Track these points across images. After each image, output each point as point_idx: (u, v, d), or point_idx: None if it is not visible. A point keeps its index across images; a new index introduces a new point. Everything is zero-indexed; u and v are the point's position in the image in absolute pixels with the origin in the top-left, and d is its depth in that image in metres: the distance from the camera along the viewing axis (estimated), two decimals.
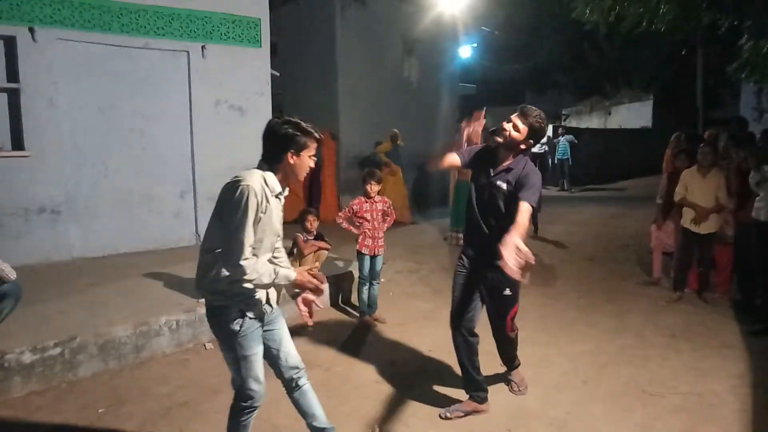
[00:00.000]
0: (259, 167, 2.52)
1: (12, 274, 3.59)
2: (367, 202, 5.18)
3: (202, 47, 6.83)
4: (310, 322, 4.70)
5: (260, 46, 7.38)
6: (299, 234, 5.39)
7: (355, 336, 4.91)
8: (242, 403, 2.62)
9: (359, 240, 5.19)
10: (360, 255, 5.22)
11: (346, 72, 10.42)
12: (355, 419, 3.44)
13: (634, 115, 21.34)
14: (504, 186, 3.16)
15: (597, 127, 21.49)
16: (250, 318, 2.54)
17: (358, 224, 5.20)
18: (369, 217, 5.16)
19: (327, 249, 5.49)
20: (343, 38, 10.33)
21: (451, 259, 7.49)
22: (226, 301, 2.50)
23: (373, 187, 5.15)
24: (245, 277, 2.39)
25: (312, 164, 2.60)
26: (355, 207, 5.19)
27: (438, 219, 9.79)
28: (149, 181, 6.64)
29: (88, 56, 6.14)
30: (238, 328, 2.50)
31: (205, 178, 7.01)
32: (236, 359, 2.54)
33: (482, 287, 3.38)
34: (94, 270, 5.76)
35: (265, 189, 2.45)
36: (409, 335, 4.83)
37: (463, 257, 3.47)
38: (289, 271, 2.57)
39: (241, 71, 7.22)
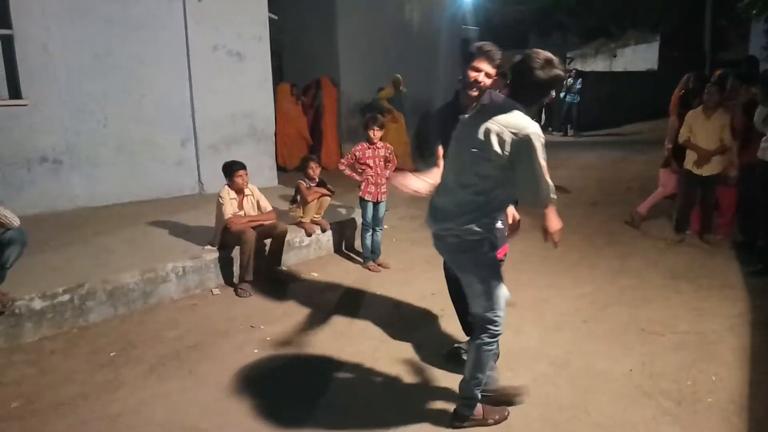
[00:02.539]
0: (517, 108, 2.50)
1: (15, 221, 3.60)
2: (369, 148, 5.15)
3: None
4: None
5: None
6: (302, 181, 5.38)
7: (359, 281, 4.97)
8: (493, 330, 2.71)
9: (362, 187, 5.19)
10: (363, 202, 5.22)
11: (345, 15, 10.15)
12: (360, 359, 3.52)
13: (639, 57, 20.88)
14: None
15: (602, 70, 21.08)
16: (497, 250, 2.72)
17: (360, 171, 5.18)
18: (372, 164, 5.14)
19: (330, 196, 5.50)
20: None
21: None
22: (484, 235, 2.60)
23: (376, 133, 5.11)
24: (550, 207, 2.67)
25: None
26: (357, 153, 5.16)
27: None
28: (149, 129, 6.58)
29: (80, 0, 5.97)
30: (493, 258, 2.66)
31: (205, 126, 6.96)
32: (489, 288, 2.66)
33: None
34: (99, 219, 5.78)
35: None
36: (413, 279, 4.88)
37: None
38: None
39: (239, 15, 7.05)
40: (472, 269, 2.69)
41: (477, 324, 2.75)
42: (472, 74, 2.98)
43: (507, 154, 2.43)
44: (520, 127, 2.42)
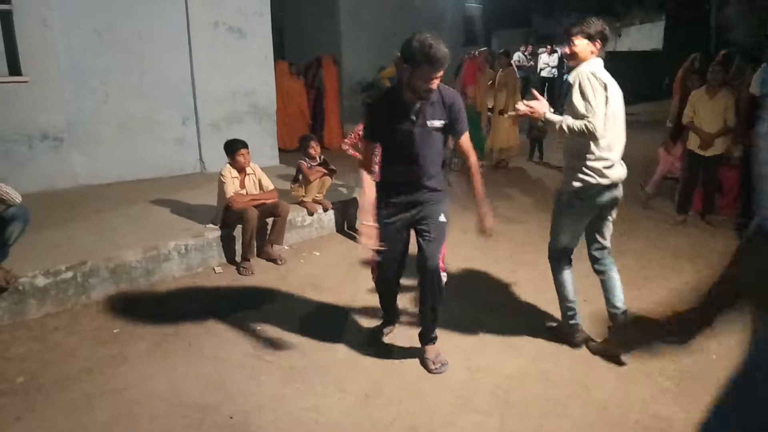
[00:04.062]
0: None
1: (17, 198, 3.60)
2: None
3: None
4: None
5: None
6: (303, 161, 5.36)
7: (361, 260, 4.97)
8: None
9: None
10: None
11: None
12: (362, 338, 3.55)
13: (645, 36, 20.66)
14: (439, 123, 2.94)
15: (607, 49, 20.88)
16: None
17: None
18: None
19: (331, 175, 5.48)
20: None
21: (455, 184, 7.48)
22: None
23: None
24: None
25: None
26: (361, 132, 5.12)
27: None
28: (150, 106, 6.54)
29: None
30: None
31: (206, 104, 6.92)
32: None
33: (414, 226, 3.11)
34: (101, 197, 5.78)
35: None
36: (414, 258, 4.88)
37: (390, 206, 3.07)
38: None
39: None
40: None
41: (606, 254, 3.32)
42: (432, 85, 2.79)
43: None
44: None
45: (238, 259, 4.78)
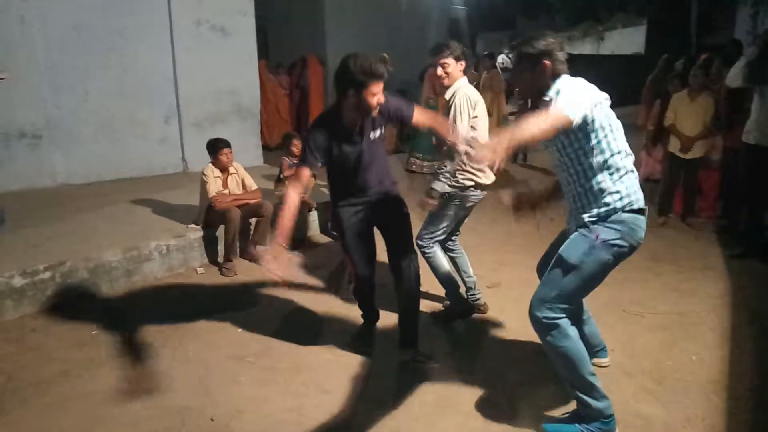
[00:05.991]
0: None
1: None
2: None
3: None
4: None
5: None
6: (285, 158, 5.33)
7: (345, 261, 4.95)
8: None
9: None
10: None
11: None
12: (344, 336, 3.53)
13: (627, 40, 20.90)
14: (380, 132, 3.02)
15: (589, 53, 21.09)
16: None
17: None
18: None
19: (315, 175, 5.44)
20: None
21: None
22: None
23: None
24: None
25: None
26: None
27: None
28: (132, 105, 6.47)
29: None
30: None
31: (189, 103, 6.86)
32: None
33: (381, 222, 3.20)
34: (80, 196, 5.70)
35: None
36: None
37: (353, 207, 3.13)
38: None
39: None
40: None
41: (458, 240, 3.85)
42: (381, 97, 2.80)
43: None
44: None
45: (220, 259, 4.73)
